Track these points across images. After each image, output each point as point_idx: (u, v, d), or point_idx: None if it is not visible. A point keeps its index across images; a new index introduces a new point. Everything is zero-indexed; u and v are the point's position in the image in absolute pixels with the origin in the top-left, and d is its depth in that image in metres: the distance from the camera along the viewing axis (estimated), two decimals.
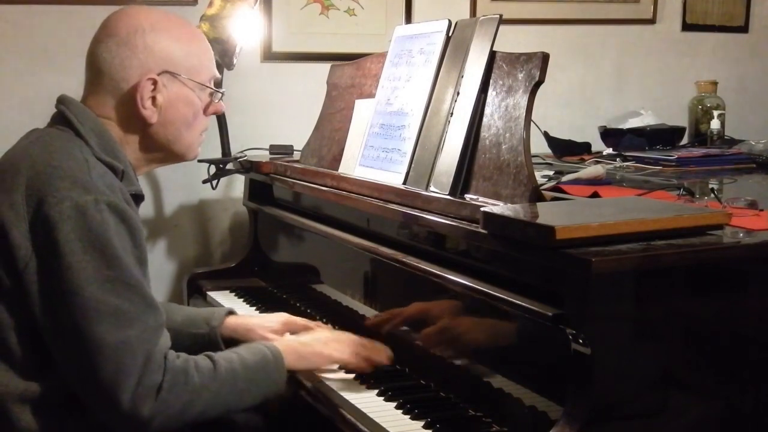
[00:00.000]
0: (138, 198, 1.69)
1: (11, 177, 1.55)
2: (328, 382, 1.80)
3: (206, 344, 1.95)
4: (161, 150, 1.74)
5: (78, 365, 1.51)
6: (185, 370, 1.57)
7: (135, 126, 1.69)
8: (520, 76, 1.73)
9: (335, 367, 1.84)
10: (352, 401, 1.70)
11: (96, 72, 1.68)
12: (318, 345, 1.83)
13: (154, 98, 1.67)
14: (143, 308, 1.53)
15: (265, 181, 2.62)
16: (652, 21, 3.63)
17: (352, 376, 1.82)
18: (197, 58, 1.73)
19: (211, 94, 1.76)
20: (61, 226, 1.49)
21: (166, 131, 1.71)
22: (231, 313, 2.03)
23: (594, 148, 3.08)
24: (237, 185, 3.01)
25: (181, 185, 3.01)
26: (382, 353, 1.83)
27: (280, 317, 2.04)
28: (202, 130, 1.78)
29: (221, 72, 2.71)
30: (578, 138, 3.06)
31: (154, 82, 1.66)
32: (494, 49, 1.83)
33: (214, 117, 2.76)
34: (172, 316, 1.97)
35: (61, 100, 1.70)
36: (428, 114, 1.93)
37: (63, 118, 1.66)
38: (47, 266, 1.50)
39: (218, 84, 1.82)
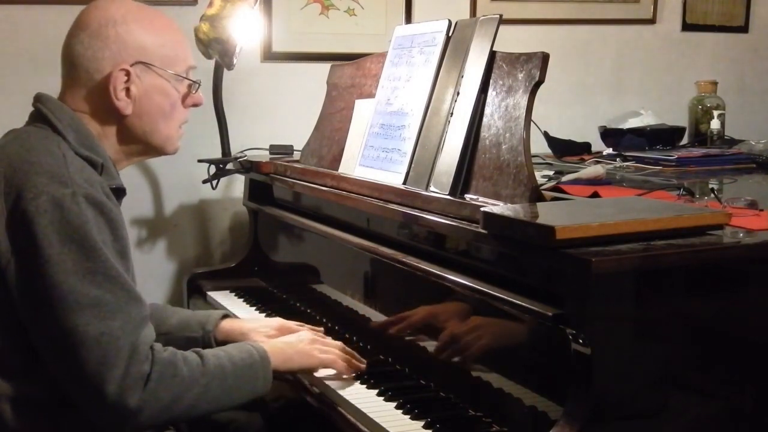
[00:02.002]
0: (120, 192, 1.68)
1: None
2: (328, 382, 1.80)
3: (200, 348, 1.94)
4: (139, 142, 1.72)
5: (62, 359, 1.50)
6: (173, 363, 1.56)
7: (111, 118, 1.68)
8: (520, 76, 1.73)
9: (319, 369, 1.82)
10: (352, 401, 1.70)
11: (70, 66, 1.69)
12: (302, 345, 1.82)
13: (128, 89, 1.66)
14: (125, 300, 1.52)
15: (265, 181, 2.62)
16: (652, 21, 3.63)
17: (352, 375, 1.82)
18: (171, 49, 1.71)
19: (189, 85, 1.75)
20: (38, 220, 1.48)
21: (142, 123, 1.70)
22: (226, 316, 2.00)
23: (594, 148, 3.07)
24: (237, 185, 3.00)
25: (181, 185, 3.00)
26: (361, 360, 1.84)
27: (274, 322, 2.01)
28: (181, 123, 1.77)
29: (221, 72, 2.71)
30: (578, 138, 3.06)
31: (127, 73, 1.65)
32: (494, 49, 1.83)
33: (211, 114, 2.80)
34: (166, 319, 1.96)
35: (38, 98, 1.69)
36: (428, 114, 1.93)
37: (40, 115, 1.65)
38: (27, 261, 1.49)
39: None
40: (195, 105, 1.78)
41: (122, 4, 1.70)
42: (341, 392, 1.75)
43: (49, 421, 1.56)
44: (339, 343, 1.88)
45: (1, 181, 1.54)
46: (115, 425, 1.53)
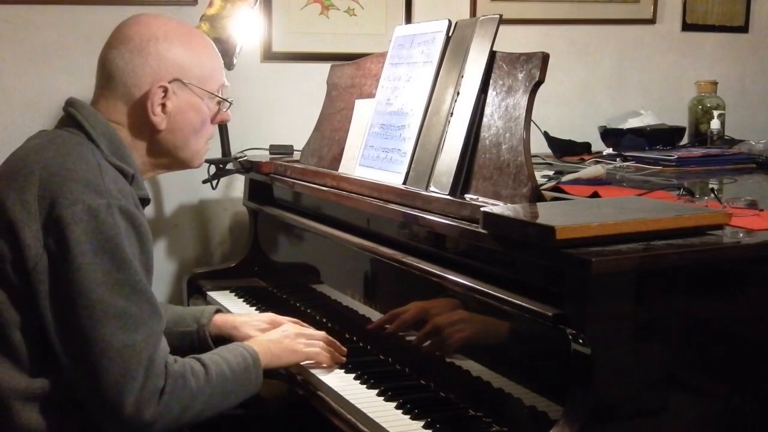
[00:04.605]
0: (144, 202, 1.71)
1: (24, 177, 1.56)
2: (327, 382, 1.80)
3: (194, 342, 1.99)
4: (168, 156, 1.76)
5: (83, 367, 1.52)
6: (183, 375, 1.60)
7: (144, 132, 1.71)
8: (520, 76, 1.73)
9: (305, 362, 1.88)
10: (352, 401, 1.70)
11: (108, 77, 1.70)
12: (288, 342, 1.87)
13: (164, 105, 1.69)
14: (149, 313, 1.56)
15: (265, 181, 2.62)
16: (652, 21, 3.63)
17: (351, 376, 1.82)
18: (208, 68, 1.75)
19: (219, 103, 1.78)
20: (73, 227, 1.50)
21: (174, 138, 1.73)
22: (219, 311, 2.06)
23: (594, 148, 3.07)
24: (237, 185, 3.01)
25: (181, 185, 3.00)
26: (342, 351, 1.91)
27: (265, 317, 2.07)
28: (208, 138, 1.81)
29: None
30: (578, 138, 3.06)
31: (165, 90, 1.68)
32: (494, 49, 1.83)
33: None
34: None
35: (71, 103, 1.71)
36: (428, 114, 1.93)
37: (73, 120, 1.67)
38: (57, 267, 1.51)
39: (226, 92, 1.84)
40: (222, 122, 1.83)
41: (164, 22, 1.74)
42: (341, 392, 1.75)
43: (59, 419, 1.57)
44: (323, 334, 1.93)
45: (35, 184, 1.55)
46: None
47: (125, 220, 1.55)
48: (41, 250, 1.51)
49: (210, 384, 1.64)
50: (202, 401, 1.62)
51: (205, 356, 1.70)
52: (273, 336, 1.89)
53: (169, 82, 1.69)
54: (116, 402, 1.51)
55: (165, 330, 1.93)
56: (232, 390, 1.69)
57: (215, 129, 1.84)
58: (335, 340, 1.93)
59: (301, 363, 1.88)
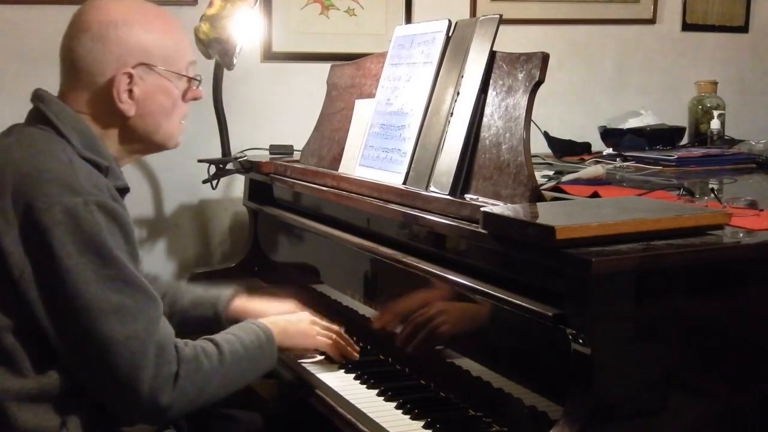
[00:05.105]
0: (124, 191, 1.69)
1: None
2: (327, 382, 1.80)
3: (210, 327, 1.98)
4: (141, 141, 1.73)
5: (92, 366, 1.53)
6: (196, 357, 1.61)
7: (114, 120, 1.68)
8: (520, 76, 1.73)
9: (315, 350, 1.90)
10: (352, 401, 1.70)
11: (71, 68, 1.68)
12: (303, 325, 1.89)
13: (130, 91, 1.66)
14: (144, 301, 1.55)
15: (265, 181, 2.62)
16: (652, 21, 3.63)
17: (351, 376, 1.82)
18: (172, 48, 1.71)
19: (189, 80, 1.75)
20: (53, 230, 1.49)
21: (145, 123, 1.70)
22: (237, 295, 2.05)
23: (594, 148, 3.08)
24: (237, 185, 3.00)
25: (181, 185, 3.00)
26: (355, 349, 1.91)
27: (285, 307, 2.04)
28: (182, 117, 1.77)
29: (221, 72, 2.71)
30: (578, 138, 3.06)
31: (130, 76, 1.65)
32: (494, 49, 1.83)
33: (211, 114, 2.80)
34: (180, 299, 2.02)
35: (39, 97, 1.68)
36: (428, 114, 1.93)
37: (42, 116, 1.64)
38: (45, 272, 1.50)
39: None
40: (194, 99, 1.78)
41: (121, 4, 1.69)
42: (341, 392, 1.75)
43: (55, 418, 1.56)
44: (337, 328, 1.93)
45: (9, 189, 1.53)
46: (148, 421, 1.62)
47: (104, 215, 1.53)
48: (24, 257, 1.50)
49: (224, 364, 1.64)
50: (218, 381, 1.63)
51: (218, 336, 1.71)
52: (290, 318, 1.91)
53: (134, 68, 1.65)
54: (132, 392, 1.52)
55: (182, 314, 1.98)
56: (247, 368, 1.70)
57: (190, 107, 1.78)
58: (348, 338, 1.93)
59: (309, 355, 1.90)
